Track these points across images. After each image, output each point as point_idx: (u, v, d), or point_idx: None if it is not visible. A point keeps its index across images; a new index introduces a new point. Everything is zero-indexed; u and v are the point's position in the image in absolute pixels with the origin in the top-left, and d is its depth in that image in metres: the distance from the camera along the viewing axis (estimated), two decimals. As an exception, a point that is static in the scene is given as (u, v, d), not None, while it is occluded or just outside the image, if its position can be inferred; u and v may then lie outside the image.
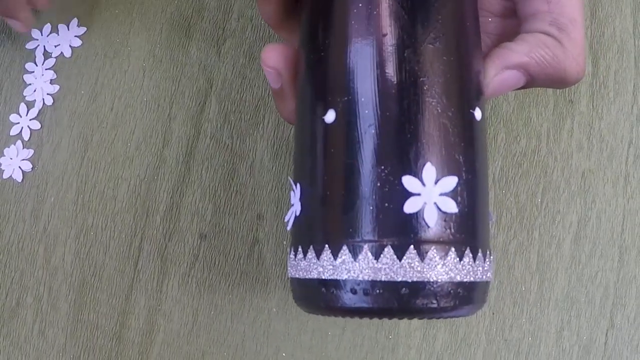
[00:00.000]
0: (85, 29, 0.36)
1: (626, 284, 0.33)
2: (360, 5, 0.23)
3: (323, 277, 0.22)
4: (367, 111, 0.22)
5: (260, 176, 0.34)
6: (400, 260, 0.21)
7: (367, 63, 0.22)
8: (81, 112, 0.35)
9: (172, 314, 0.33)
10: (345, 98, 0.22)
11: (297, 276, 0.24)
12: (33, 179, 0.34)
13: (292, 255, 0.24)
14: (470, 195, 0.22)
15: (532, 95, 0.35)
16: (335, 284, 0.22)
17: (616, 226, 0.34)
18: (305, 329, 0.33)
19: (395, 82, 0.22)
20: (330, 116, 0.23)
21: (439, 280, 0.21)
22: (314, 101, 0.24)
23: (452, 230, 0.22)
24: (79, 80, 0.35)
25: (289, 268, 0.25)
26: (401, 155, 0.22)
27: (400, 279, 0.21)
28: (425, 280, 0.21)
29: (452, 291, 0.22)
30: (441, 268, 0.21)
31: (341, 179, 0.22)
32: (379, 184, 0.22)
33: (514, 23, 0.27)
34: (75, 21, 0.36)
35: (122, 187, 0.34)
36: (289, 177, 0.26)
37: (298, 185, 0.24)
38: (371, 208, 0.21)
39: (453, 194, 0.22)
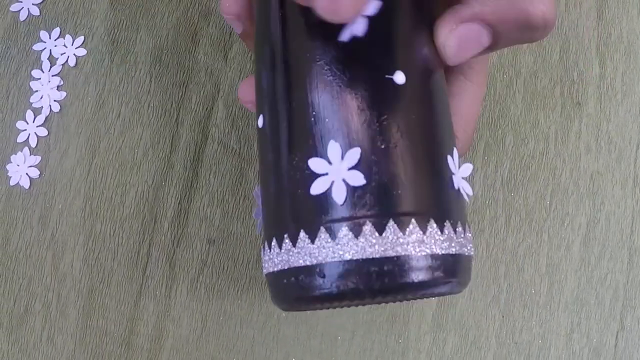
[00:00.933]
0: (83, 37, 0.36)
1: (636, 285, 0.33)
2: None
3: (273, 270, 0.22)
4: (277, 108, 0.22)
5: (268, 181, 0.34)
6: (312, 242, 0.21)
7: (268, 64, 0.23)
8: (88, 118, 0.35)
9: (181, 319, 0.33)
10: (265, 99, 0.23)
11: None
12: (40, 186, 0.34)
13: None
14: (388, 164, 0.21)
15: (540, 97, 0.35)
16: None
17: (625, 228, 0.33)
18: (315, 333, 0.33)
19: (291, 71, 0.22)
20: (260, 121, 0.23)
21: (357, 258, 0.20)
22: (256, 107, 0.24)
23: (369, 203, 0.21)
24: (85, 87, 0.35)
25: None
26: (307, 139, 0.21)
27: (314, 263, 0.21)
28: (341, 260, 0.20)
29: (374, 268, 0.20)
30: (355, 245, 0.20)
31: (270, 175, 0.23)
32: (291, 172, 0.22)
33: None
34: (81, 38, 0.35)
35: (130, 193, 0.34)
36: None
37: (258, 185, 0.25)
38: (291, 197, 0.22)
39: (362, 166, 0.21)
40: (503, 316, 0.33)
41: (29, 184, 0.34)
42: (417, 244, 0.21)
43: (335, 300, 0.21)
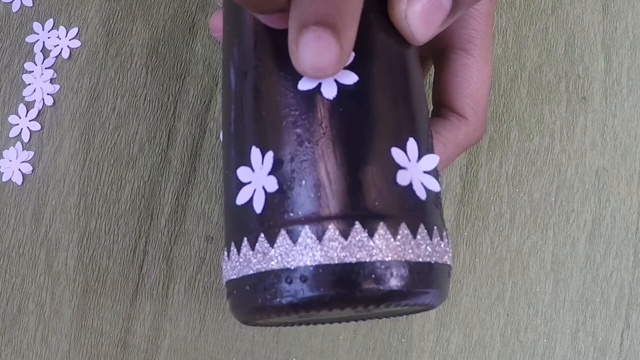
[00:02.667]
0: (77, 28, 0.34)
1: (642, 283, 0.32)
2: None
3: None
4: (224, 121, 0.22)
5: (268, 177, 0.32)
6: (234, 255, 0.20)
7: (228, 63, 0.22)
8: (82, 112, 0.33)
9: (178, 319, 0.31)
10: (225, 115, 0.22)
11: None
12: (33, 182, 0.33)
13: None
14: (304, 165, 0.19)
15: (545, 92, 0.33)
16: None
17: (631, 225, 0.32)
18: (316, 332, 0.31)
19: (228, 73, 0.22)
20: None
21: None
22: None
23: (280, 211, 0.19)
24: (79, 80, 0.33)
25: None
26: (232, 148, 0.21)
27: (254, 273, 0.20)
28: (267, 270, 0.19)
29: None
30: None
31: (223, 187, 0.22)
32: (227, 183, 0.21)
33: None
34: (75, 30, 0.34)
35: (125, 189, 0.32)
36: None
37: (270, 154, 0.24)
38: (228, 211, 0.21)
39: (276, 170, 0.19)
40: (508, 315, 0.32)
41: (21, 180, 0.32)
42: (340, 250, 0.18)
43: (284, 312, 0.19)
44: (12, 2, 0.34)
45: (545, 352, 0.31)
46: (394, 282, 0.18)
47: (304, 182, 0.19)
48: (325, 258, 0.18)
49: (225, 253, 0.21)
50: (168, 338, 0.31)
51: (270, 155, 0.19)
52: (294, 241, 0.19)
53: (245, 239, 0.20)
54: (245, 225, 0.20)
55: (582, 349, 0.31)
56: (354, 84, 0.20)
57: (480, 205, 0.32)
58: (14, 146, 0.33)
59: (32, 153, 0.33)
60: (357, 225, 0.18)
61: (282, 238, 0.19)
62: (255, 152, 0.20)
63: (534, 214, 0.32)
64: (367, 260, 0.18)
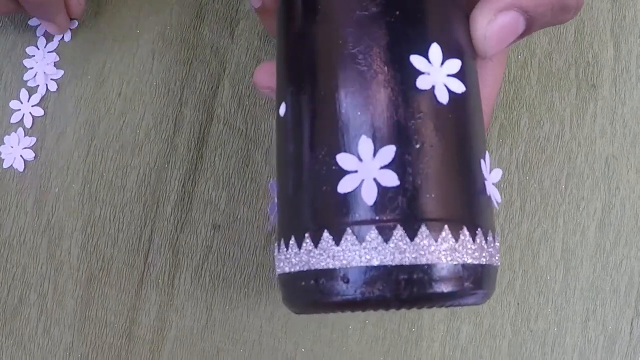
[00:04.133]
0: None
1: (651, 271, 0.31)
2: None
3: (286, 271, 0.20)
4: (304, 96, 0.20)
5: (276, 163, 0.31)
6: (337, 245, 0.19)
7: (298, 50, 0.21)
8: (87, 97, 0.32)
9: (184, 309, 0.30)
10: (290, 89, 0.21)
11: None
12: (36, 169, 0.31)
13: (292, 244, 0.21)
14: (425, 164, 0.19)
15: (555, 79, 0.33)
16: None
17: (640, 213, 0.32)
18: (325, 322, 0.30)
19: (323, 60, 0.20)
20: (282, 109, 0.21)
21: (391, 264, 0.19)
22: (277, 94, 0.22)
23: (401, 206, 0.19)
24: (85, 65, 0.32)
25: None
26: (335, 133, 0.19)
27: (338, 266, 0.19)
28: (369, 265, 0.19)
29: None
30: (384, 249, 0.18)
31: (292, 170, 0.21)
32: (317, 167, 0.20)
33: None
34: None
35: (131, 176, 0.31)
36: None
37: (274, 179, 0.23)
38: (314, 194, 0.20)
39: (397, 166, 0.19)
40: (518, 303, 0.31)
41: (23, 167, 0.31)
42: (448, 252, 0.19)
43: (357, 307, 0.19)
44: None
45: (556, 340, 0.31)
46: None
47: (417, 180, 0.19)
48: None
49: (283, 245, 0.21)
50: (174, 329, 0.30)
51: (389, 148, 0.19)
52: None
53: (307, 234, 0.20)
54: (286, 226, 0.21)
55: (592, 338, 0.31)
56: (462, 93, 0.20)
57: (491, 192, 0.32)
58: (15, 132, 0.31)
59: (34, 139, 0.31)
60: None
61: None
62: (365, 141, 0.19)
63: (544, 202, 0.32)
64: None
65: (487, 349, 0.30)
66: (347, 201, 0.19)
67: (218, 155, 0.32)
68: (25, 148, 0.31)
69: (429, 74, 0.20)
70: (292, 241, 0.20)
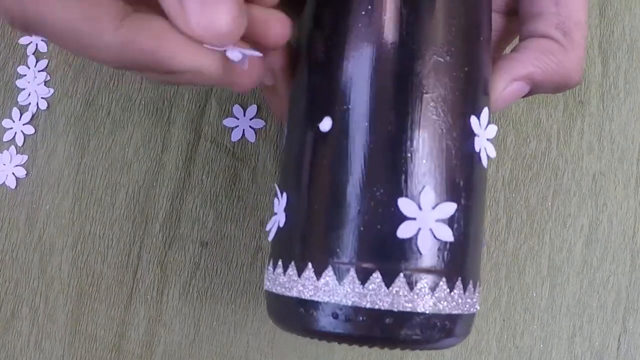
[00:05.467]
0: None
1: (638, 287, 0.31)
2: (365, 10, 0.20)
3: (303, 297, 0.20)
4: (365, 124, 0.19)
5: (263, 181, 0.31)
6: (388, 287, 0.19)
7: (367, 72, 0.20)
8: (77, 116, 0.32)
9: (172, 324, 0.30)
10: (344, 107, 0.20)
11: (274, 291, 0.21)
12: (27, 186, 0.32)
13: (270, 268, 0.21)
14: (467, 222, 0.20)
15: (542, 96, 0.32)
16: (316, 305, 0.19)
17: (627, 229, 0.31)
18: (312, 339, 0.30)
19: (396, 96, 0.19)
20: (326, 124, 0.20)
21: (427, 312, 0.19)
22: (310, 107, 0.21)
23: (446, 260, 0.19)
24: (74, 84, 0.32)
25: (266, 280, 0.22)
26: (399, 175, 0.19)
27: (386, 308, 0.19)
28: (413, 311, 0.19)
29: (438, 323, 0.19)
30: (430, 299, 0.19)
31: (331, 194, 0.20)
32: (372, 204, 0.19)
33: (514, 20, 0.24)
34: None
35: (120, 193, 0.31)
36: (275, 184, 0.23)
37: (284, 194, 0.21)
38: (361, 229, 0.19)
39: (450, 221, 0.19)
40: (504, 320, 0.31)
41: (15, 184, 0.31)
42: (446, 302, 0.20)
43: (342, 341, 0.20)
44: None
45: (542, 357, 0.30)
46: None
47: (461, 237, 0.20)
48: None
49: (311, 270, 0.20)
50: (162, 343, 0.30)
51: (451, 205, 0.20)
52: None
53: (280, 260, 0.20)
54: (275, 249, 0.21)
55: (578, 354, 0.30)
56: (492, 158, 0.22)
57: (477, 209, 0.31)
58: (7, 150, 0.32)
59: (26, 157, 0.32)
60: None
61: (329, 273, 0.19)
62: (429, 192, 0.19)
63: (530, 219, 0.31)
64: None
65: (473, 366, 0.30)
66: (402, 246, 0.19)
67: (206, 173, 0.32)
68: (17, 166, 0.31)
69: (478, 136, 0.20)
70: (325, 269, 0.19)
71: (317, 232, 0.20)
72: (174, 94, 0.32)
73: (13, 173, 0.31)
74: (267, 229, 0.22)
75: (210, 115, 0.32)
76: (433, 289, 0.19)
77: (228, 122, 0.32)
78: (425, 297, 0.19)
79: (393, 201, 0.19)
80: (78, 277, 0.31)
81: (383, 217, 0.19)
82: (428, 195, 0.19)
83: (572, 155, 0.32)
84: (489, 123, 0.21)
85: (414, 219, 0.19)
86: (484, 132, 0.21)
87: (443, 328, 0.20)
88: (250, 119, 0.32)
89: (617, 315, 0.31)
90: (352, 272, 0.19)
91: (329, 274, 0.19)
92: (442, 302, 0.19)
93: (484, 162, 0.21)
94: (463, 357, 0.30)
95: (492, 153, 0.21)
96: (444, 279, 0.19)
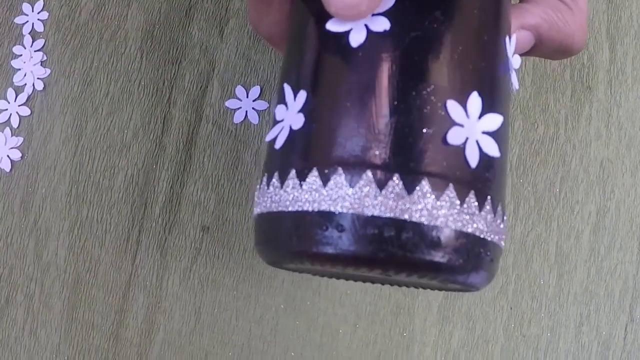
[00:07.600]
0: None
1: (646, 276, 0.30)
2: None
3: (326, 209, 0.16)
4: (416, 15, 0.17)
5: (266, 165, 0.30)
6: (437, 200, 0.16)
7: None
8: (75, 97, 0.31)
9: (172, 311, 0.29)
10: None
11: (275, 210, 0.17)
12: (23, 169, 0.30)
13: (274, 182, 0.18)
14: (505, 141, 0.18)
15: (550, 80, 0.31)
16: (344, 218, 0.16)
17: (635, 217, 0.30)
18: (315, 326, 0.29)
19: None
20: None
21: (469, 232, 0.16)
22: None
23: (485, 176, 0.17)
24: (71, 64, 0.31)
25: (259, 202, 0.18)
26: (449, 76, 0.17)
27: (432, 223, 0.16)
28: (459, 229, 0.16)
29: (462, 245, 0.16)
30: (457, 214, 0.16)
31: (374, 91, 0.17)
32: (418, 102, 0.16)
33: None
34: (65, 11, 0.31)
35: (118, 176, 0.30)
36: (284, 84, 0.19)
37: (301, 93, 0.18)
38: (407, 130, 0.16)
39: (495, 136, 0.17)
40: (511, 308, 0.29)
41: (10, 167, 0.30)
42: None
43: (369, 265, 0.17)
44: (2, -16, 0.32)
45: (549, 346, 0.29)
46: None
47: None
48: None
49: (259, 184, 0.19)
50: (162, 331, 0.29)
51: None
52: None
53: (276, 173, 0.17)
54: (274, 161, 0.18)
55: (585, 343, 0.29)
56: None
57: (484, 195, 0.30)
58: (2, 132, 0.30)
59: (21, 139, 0.30)
60: (396, 177, 0.16)
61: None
62: (475, 100, 0.17)
63: (537, 205, 0.30)
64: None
65: (480, 354, 0.29)
66: (450, 154, 0.16)
67: (207, 156, 0.30)
68: (12, 148, 0.30)
69: (510, 59, 0.20)
70: (360, 176, 0.16)
71: (355, 134, 0.16)
72: (175, 74, 0.31)
73: (8, 155, 0.30)
74: (269, 138, 0.19)
75: (212, 97, 0.31)
76: (480, 208, 0.17)
77: (230, 103, 0.30)
78: (474, 215, 0.16)
79: (442, 103, 0.17)
80: (75, 263, 0.29)
81: (432, 119, 0.16)
82: (475, 102, 0.17)
83: (580, 141, 0.31)
84: (514, 53, 0.20)
85: (462, 125, 0.17)
86: (512, 59, 0.20)
87: (468, 251, 0.17)
88: (254, 101, 0.30)
89: (624, 304, 0.30)
90: (396, 178, 0.16)
91: (365, 182, 0.16)
92: (471, 219, 0.17)
93: (515, 85, 0.19)
94: (470, 346, 0.29)
95: (516, 84, 0.20)
96: (489, 198, 0.17)
